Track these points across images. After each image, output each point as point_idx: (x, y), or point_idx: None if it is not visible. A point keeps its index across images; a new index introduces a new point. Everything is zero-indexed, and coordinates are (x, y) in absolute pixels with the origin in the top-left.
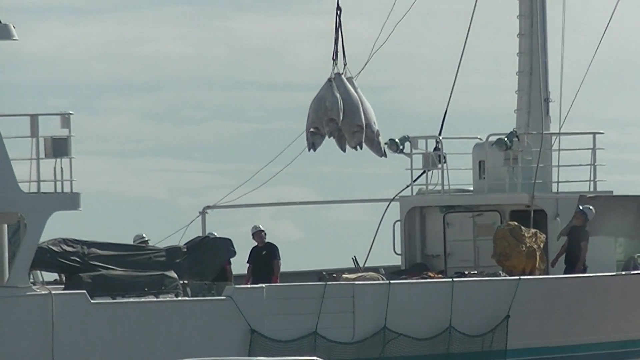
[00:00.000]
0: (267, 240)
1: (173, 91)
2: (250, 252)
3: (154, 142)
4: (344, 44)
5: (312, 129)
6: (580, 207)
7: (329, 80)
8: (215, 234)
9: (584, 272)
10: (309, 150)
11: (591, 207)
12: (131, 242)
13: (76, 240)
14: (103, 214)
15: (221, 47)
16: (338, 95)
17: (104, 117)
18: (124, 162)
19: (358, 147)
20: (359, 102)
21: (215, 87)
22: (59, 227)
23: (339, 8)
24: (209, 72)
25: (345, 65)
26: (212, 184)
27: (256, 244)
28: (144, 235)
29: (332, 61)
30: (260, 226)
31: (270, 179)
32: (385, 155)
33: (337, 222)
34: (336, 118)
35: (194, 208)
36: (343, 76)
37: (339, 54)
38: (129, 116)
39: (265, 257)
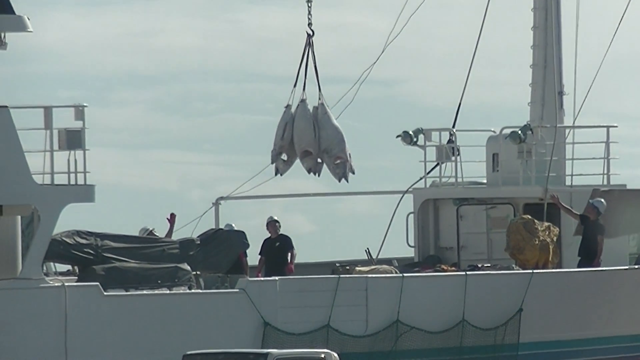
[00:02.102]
0: (280, 232)
1: (184, 83)
2: (263, 244)
3: (165, 134)
4: (312, 68)
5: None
6: (591, 201)
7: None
8: (233, 225)
9: (598, 267)
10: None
11: (602, 200)
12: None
13: (89, 232)
14: (113, 205)
15: (232, 40)
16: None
17: (115, 109)
18: (134, 154)
19: (311, 172)
20: (310, 128)
21: (226, 79)
22: (70, 219)
23: (312, 34)
24: (219, 64)
25: (319, 90)
26: (222, 176)
27: (269, 235)
28: (150, 227)
29: (297, 86)
30: (275, 217)
31: None
32: (347, 180)
33: (349, 215)
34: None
35: (205, 200)
36: (306, 102)
37: (306, 78)
38: (140, 108)
39: (278, 249)
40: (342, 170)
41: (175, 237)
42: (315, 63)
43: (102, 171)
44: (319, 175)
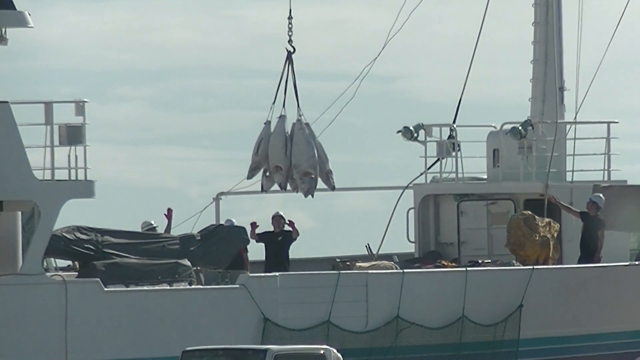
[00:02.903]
0: (284, 229)
1: (183, 79)
2: (264, 233)
3: (164, 130)
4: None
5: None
6: (590, 198)
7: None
8: (234, 220)
9: (599, 262)
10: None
11: (600, 195)
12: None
13: (90, 228)
14: (113, 201)
15: (231, 35)
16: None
17: (114, 105)
18: (133, 150)
19: (281, 187)
20: (282, 144)
21: (225, 76)
22: (70, 214)
23: (292, 51)
24: (219, 60)
25: (298, 106)
26: (221, 172)
27: (272, 229)
28: (152, 222)
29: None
30: (282, 213)
31: None
32: (312, 196)
33: (348, 211)
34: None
35: (204, 196)
36: (285, 118)
37: (281, 95)
38: (139, 104)
39: (280, 243)
40: (307, 185)
41: (175, 232)
42: (294, 79)
43: (100, 167)
44: (312, 197)
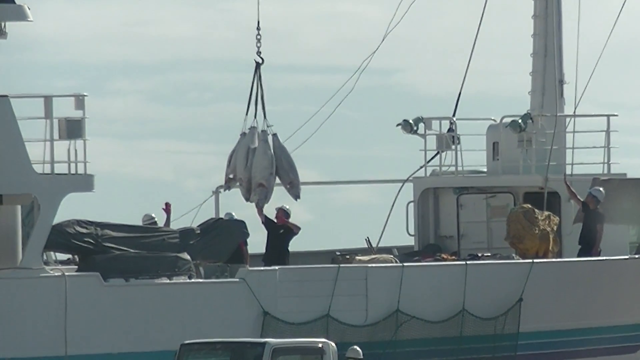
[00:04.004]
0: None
1: (179, 73)
2: (270, 220)
3: (160, 124)
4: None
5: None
6: (589, 191)
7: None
8: (234, 214)
9: (598, 255)
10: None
11: (600, 189)
12: (139, 223)
13: (89, 221)
14: (110, 195)
15: (227, 29)
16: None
17: (110, 99)
18: (130, 143)
19: (245, 199)
20: (244, 156)
21: (221, 69)
22: (68, 208)
23: (261, 62)
24: (215, 53)
25: (264, 117)
26: (218, 165)
27: (275, 220)
28: (153, 215)
29: (252, 114)
30: (287, 207)
31: None
32: (262, 206)
33: (345, 204)
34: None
35: (201, 190)
36: (255, 129)
37: (254, 107)
38: (135, 98)
39: (281, 236)
40: (257, 196)
41: (174, 226)
42: (262, 91)
43: (97, 161)
44: (298, 198)
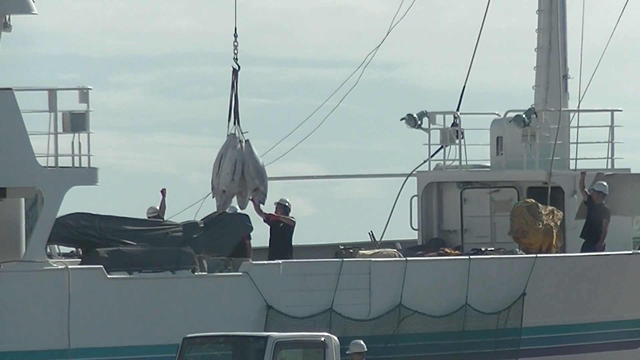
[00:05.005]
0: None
1: (183, 66)
2: (269, 216)
3: (163, 117)
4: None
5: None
6: (593, 187)
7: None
8: (237, 207)
9: (602, 250)
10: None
11: (604, 183)
12: (143, 216)
13: (93, 214)
14: (113, 188)
15: (231, 22)
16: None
17: (114, 92)
18: (133, 136)
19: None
20: (217, 165)
21: (224, 63)
22: (72, 201)
23: (237, 69)
24: (218, 47)
25: (235, 123)
26: None
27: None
28: (158, 207)
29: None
30: (288, 201)
31: (283, 155)
32: (222, 212)
33: (349, 198)
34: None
35: (204, 183)
36: (235, 136)
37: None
38: (139, 91)
39: (281, 230)
40: (219, 202)
41: (178, 220)
42: (237, 98)
43: (101, 154)
44: (262, 204)
